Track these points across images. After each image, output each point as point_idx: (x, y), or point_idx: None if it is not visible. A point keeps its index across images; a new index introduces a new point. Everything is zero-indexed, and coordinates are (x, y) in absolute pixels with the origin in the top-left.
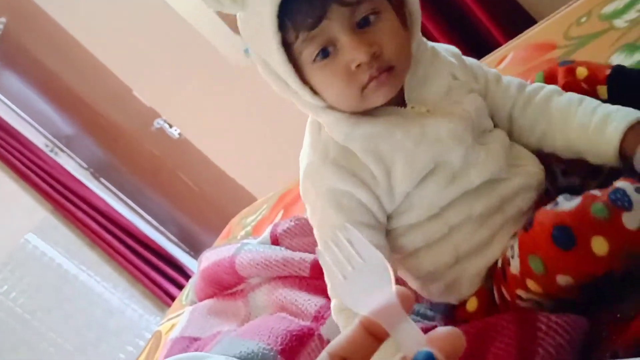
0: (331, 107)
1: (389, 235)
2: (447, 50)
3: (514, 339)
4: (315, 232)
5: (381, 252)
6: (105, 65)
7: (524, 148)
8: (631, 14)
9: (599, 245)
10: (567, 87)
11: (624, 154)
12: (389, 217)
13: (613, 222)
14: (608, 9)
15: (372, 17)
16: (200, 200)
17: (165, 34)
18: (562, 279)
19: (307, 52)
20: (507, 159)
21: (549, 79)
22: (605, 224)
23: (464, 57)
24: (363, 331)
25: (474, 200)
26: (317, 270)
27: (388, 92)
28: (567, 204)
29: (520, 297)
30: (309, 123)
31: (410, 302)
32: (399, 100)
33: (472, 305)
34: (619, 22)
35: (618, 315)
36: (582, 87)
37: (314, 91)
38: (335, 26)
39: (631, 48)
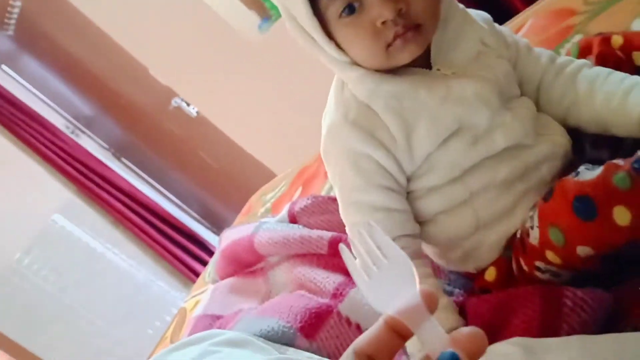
0: (356, 64)
1: (407, 198)
2: (478, 15)
3: (537, 311)
4: (336, 193)
5: (402, 215)
6: (120, 45)
7: (551, 118)
8: None
9: (621, 215)
10: (601, 56)
11: None
12: (408, 179)
13: (635, 191)
14: None
15: None
16: (220, 177)
17: (179, 11)
18: (582, 250)
19: (334, 8)
20: (534, 126)
21: (585, 49)
22: (628, 193)
23: (496, 24)
24: (388, 330)
25: (497, 166)
26: (334, 248)
27: (414, 51)
28: (588, 173)
29: (538, 269)
30: (334, 82)
31: (435, 302)
32: (425, 62)
33: (490, 274)
34: None
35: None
36: (617, 55)
37: (340, 47)
38: None
39: None
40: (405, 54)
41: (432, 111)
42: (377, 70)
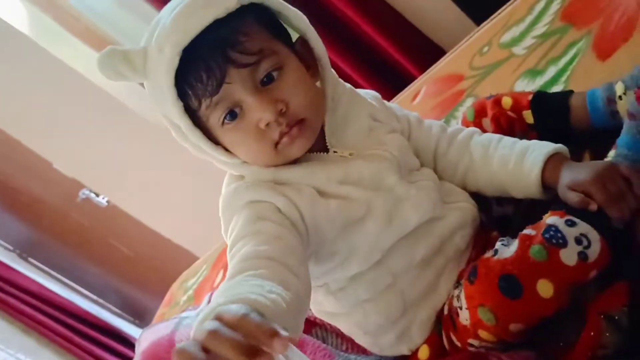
0: (248, 163)
1: (328, 291)
2: (367, 93)
3: None
4: (227, 250)
5: (296, 253)
6: (20, 142)
7: (453, 185)
8: (527, 41)
9: (545, 288)
10: (496, 117)
11: (545, 184)
12: (326, 272)
13: (553, 262)
14: (506, 37)
15: (275, 73)
16: (139, 266)
17: (79, 100)
18: (514, 327)
19: (214, 117)
20: (440, 195)
21: (480, 112)
22: (546, 265)
23: (384, 101)
24: None
25: (415, 244)
26: None
27: (303, 145)
28: (506, 250)
29: (471, 345)
30: (227, 174)
31: None
32: (321, 146)
33: (423, 353)
34: (518, 50)
35: (561, 344)
36: (509, 115)
37: (228, 150)
38: (237, 88)
39: (532, 73)
40: (294, 149)
41: (333, 192)
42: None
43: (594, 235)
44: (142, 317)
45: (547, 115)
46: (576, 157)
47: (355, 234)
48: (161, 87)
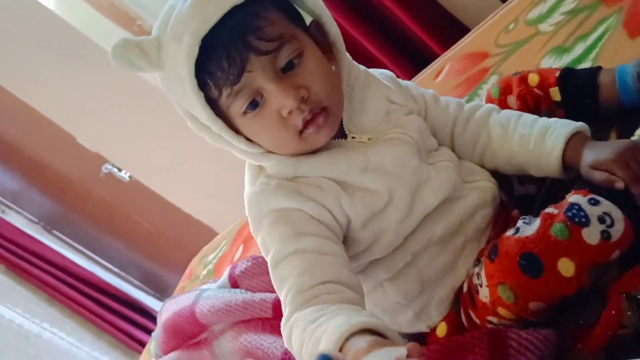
0: (270, 152)
1: None
2: (381, 74)
3: (486, 357)
4: (268, 261)
5: (337, 260)
6: (45, 116)
7: (473, 164)
8: (555, 18)
9: (566, 267)
10: (522, 94)
11: (567, 164)
12: (352, 257)
13: (575, 241)
14: (533, 14)
15: (295, 60)
16: (160, 241)
17: (102, 76)
18: (534, 305)
19: (235, 106)
20: (460, 175)
21: (505, 89)
22: (568, 244)
23: (399, 80)
24: None
25: (434, 224)
26: (279, 310)
27: (329, 133)
28: (527, 228)
29: (490, 322)
30: (247, 167)
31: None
32: (339, 132)
33: (442, 330)
34: (545, 27)
35: (581, 322)
36: (535, 93)
37: (249, 139)
38: (258, 76)
39: (559, 50)
40: (320, 138)
41: (355, 182)
42: (293, 155)
43: (617, 214)
44: (162, 291)
45: (575, 93)
46: (603, 135)
47: (378, 223)
48: (180, 77)
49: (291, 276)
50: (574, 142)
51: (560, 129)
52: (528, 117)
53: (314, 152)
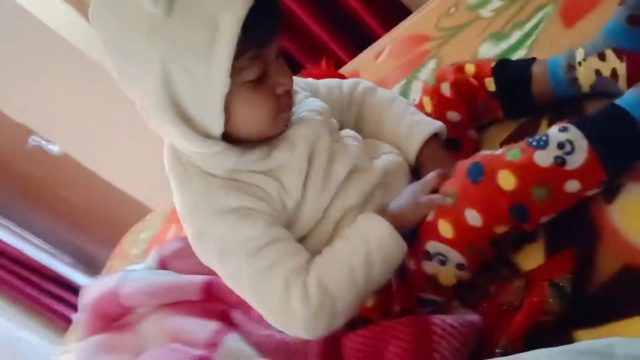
0: (221, 138)
1: None
2: None
3: (410, 342)
4: (225, 270)
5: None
6: None
7: (377, 140)
8: (495, 3)
9: (506, 179)
10: (456, 83)
11: (419, 163)
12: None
13: (523, 159)
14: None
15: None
16: (92, 217)
17: (25, 42)
18: (470, 214)
19: (249, 71)
20: (365, 151)
21: (440, 77)
22: (515, 161)
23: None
24: None
25: (347, 193)
26: (207, 293)
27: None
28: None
29: (427, 254)
30: (171, 171)
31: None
32: None
33: (368, 300)
34: (485, 12)
35: (504, 307)
36: (470, 83)
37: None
38: (272, 52)
39: (497, 37)
40: (284, 125)
41: (288, 164)
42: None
43: (581, 143)
44: (94, 268)
45: (509, 84)
46: (536, 124)
47: (302, 198)
48: (212, 22)
49: (281, 261)
50: (427, 146)
51: (419, 133)
52: (398, 106)
53: (245, 145)
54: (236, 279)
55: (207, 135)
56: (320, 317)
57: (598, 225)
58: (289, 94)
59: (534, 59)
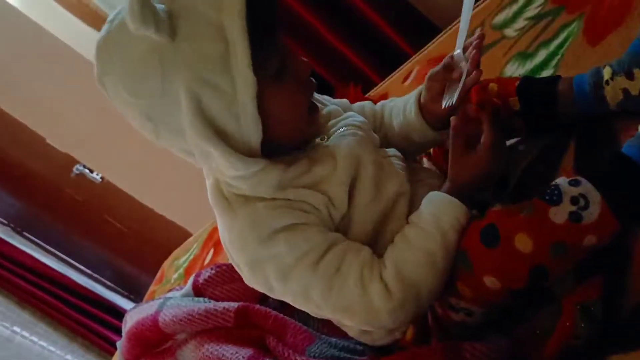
0: (259, 155)
1: None
2: None
3: None
4: (305, 268)
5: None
6: (14, 117)
7: (420, 165)
8: (520, 23)
9: (523, 242)
10: (480, 103)
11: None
12: None
13: (538, 218)
14: (499, 19)
15: None
16: (133, 242)
17: (69, 75)
18: (488, 281)
19: (270, 64)
20: (407, 172)
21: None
22: (530, 219)
23: None
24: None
25: (395, 218)
26: (242, 319)
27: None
28: (500, 206)
29: (451, 307)
30: (215, 206)
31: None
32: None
33: (408, 333)
34: (510, 32)
35: (537, 332)
36: (494, 102)
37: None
38: (281, 38)
39: (523, 56)
40: (317, 124)
41: (332, 176)
42: (276, 161)
43: (594, 196)
44: (136, 292)
45: (534, 103)
46: (563, 146)
47: (349, 211)
48: (221, 35)
49: (347, 259)
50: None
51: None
52: (402, 99)
53: (287, 161)
54: (306, 295)
55: (250, 154)
56: (405, 307)
57: (630, 249)
58: (312, 82)
59: (558, 77)
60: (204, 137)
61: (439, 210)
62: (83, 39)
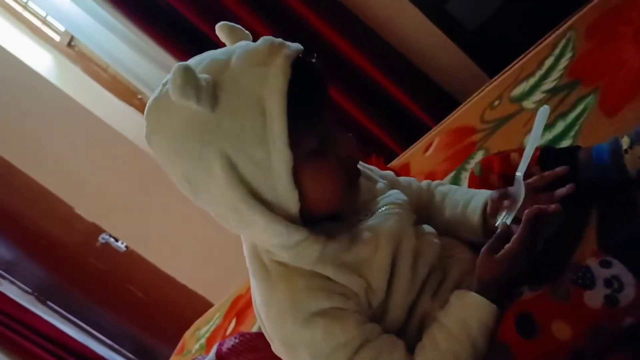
0: (299, 222)
1: None
2: None
3: None
4: None
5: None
6: (43, 186)
7: (452, 239)
8: (537, 95)
9: (561, 330)
10: (503, 174)
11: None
12: None
13: (573, 304)
14: (516, 91)
15: None
16: (154, 312)
17: (99, 146)
18: None
19: (307, 141)
20: (442, 250)
21: (487, 168)
22: (566, 306)
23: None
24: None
25: (427, 294)
26: None
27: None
28: (529, 293)
29: None
30: (254, 275)
31: None
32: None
33: None
34: (528, 104)
35: None
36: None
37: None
38: (327, 117)
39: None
40: (357, 194)
41: (373, 260)
42: (317, 232)
43: (627, 278)
44: None
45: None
46: (585, 216)
47: (388, 298)
48: (260, 106)
49: (381, 357)
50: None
51: (482, 195)
52: (463, 189)
53: (330, 234)
54: None
55: (290, 220)
56: None
57: None
58: (354, 158)
59: (578, 147)
60: (247, 204)
61: (468, 314)
62: (114, 112)
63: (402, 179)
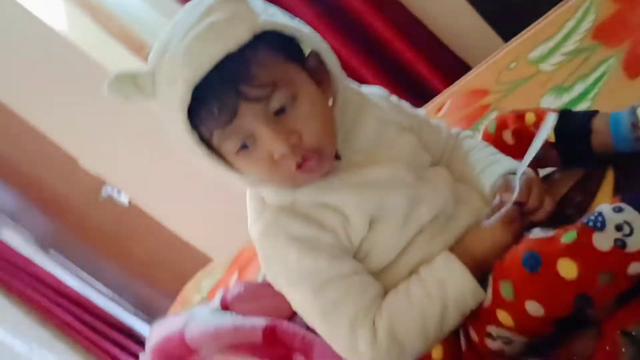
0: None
1: None
2: (373, 93)
3: None
4: (294, 295)
5: (370, 277)
6: (46, 136)
7: (467, 184)
8: (556, 57)
9: (566, 268)
10: (517, 132)
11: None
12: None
13: (581, 244)
14: (534, 54)
15: (288, 104)
16: (157, 267)
17: (105, 99)
18: (531, 307)
19: (227, 146)
20: (453, 194)
21: (501, 125)
22: (572, 246)
23: (393, 97)
24: None
25: (431, 240)
26: (269, 336)
27: (321, 173)
28: (540, 233)
29: (489, 335)
30: (249, 194)
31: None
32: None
33: (437, 353)
34: (545, 66)
35: (574, 357)
36: (531, 132)
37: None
38: (250, 121)
39: (559, 90)
40: (313, 178)
41: (352, 200)
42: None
43: (639, 224)
44: (155, 317)
45: (569, 136)
46: (601, 176)
47: (372, 235)
48: (173, 116)
49: (347, 298)
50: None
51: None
52: (487, 151)
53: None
54: (303, 310)
55: None
56: (387, 358)
57: None
58: (294, 153)
59: (595, 112)
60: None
61: (450, 279)
62: (121, 63)
63: (432, 121)
